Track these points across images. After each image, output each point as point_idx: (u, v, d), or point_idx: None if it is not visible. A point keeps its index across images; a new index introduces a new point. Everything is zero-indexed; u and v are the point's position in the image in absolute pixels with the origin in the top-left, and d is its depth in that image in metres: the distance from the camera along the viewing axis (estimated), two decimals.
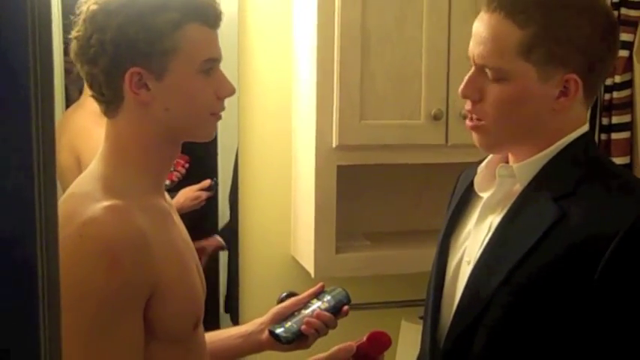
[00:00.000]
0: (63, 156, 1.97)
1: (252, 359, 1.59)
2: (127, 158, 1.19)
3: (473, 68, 1.20)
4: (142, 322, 1.12)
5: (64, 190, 1.18)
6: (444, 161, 2.02)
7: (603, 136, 2.20)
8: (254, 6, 2.11)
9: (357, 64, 1.89)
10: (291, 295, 1.57)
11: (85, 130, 1.98)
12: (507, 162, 1.25)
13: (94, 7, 1.14)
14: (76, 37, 1.16)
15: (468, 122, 1.23)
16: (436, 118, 1.93)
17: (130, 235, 1.09)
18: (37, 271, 0.53)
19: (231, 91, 1.23)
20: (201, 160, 2.10)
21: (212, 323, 1.93)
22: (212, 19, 1.19)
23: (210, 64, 1.19)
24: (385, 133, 1.93)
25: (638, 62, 2.15)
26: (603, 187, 1.14)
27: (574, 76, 1.14)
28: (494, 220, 1.20)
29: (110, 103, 1.18)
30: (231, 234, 2.18)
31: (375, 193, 2.24)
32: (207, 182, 2.15)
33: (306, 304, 1.50)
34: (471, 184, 1.30)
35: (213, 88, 1.20)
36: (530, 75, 1.14)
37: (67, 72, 1.99)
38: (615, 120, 2.18)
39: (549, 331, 1.10)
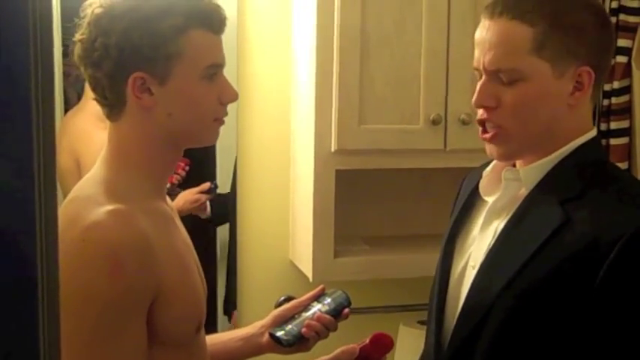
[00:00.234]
0: (63, 159, 1.97)
1: None
2: (129, 162, 1.19)
3: (484, 77, 1.19)
4: (145, 326, 1.12)
5: (64, 193, 1.18)
6: (442, 166, 2.02)
7: (602, 142, 2.21)
8: (253, 9, 2.12)
9: (356, 67, 1.89)
10: (289, 299, 1.57)
11: (85, 134, 1.99)
12: (513, 166, 1.25)
13: (98, 10, 1.14)
14: (80, 40, 1.16)
15: (483, 134, 1.21)
16: (435, 122, 1.93)
17: (133, 239, 1.09)
18: (36, 273, 0.53)
19: (234, 97, 1.23)
20: (200, 163, 2.11)
21: (210, 326, 1.93)
22: (216, 24, 1.19)
23: (214, 69, 1.19)
24: (384, 138, 1.93)
25: (637, 68, 2.15)
26: (609, 192, 1.14)
27: (587, 68, 1.15)
28: (500, 224, 1.21)
29: (113, 106, 1.18)
30: (230, 237, 2.18)
31: (373, 197, 2.24)
32: (206, 185, 2.16)
33: (306, 306, 1.50)
34: (476, 188, 1.29)
35: (216, 93, 1.20)
36: (545, 72, 1.15)
37: (66, 75, 1.99)
38: (614, 126, 2.18)
39: (552, 335, 1.10)
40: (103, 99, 1.19)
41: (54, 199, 0.55)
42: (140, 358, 1.12)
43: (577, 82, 1.16)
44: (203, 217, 2.18)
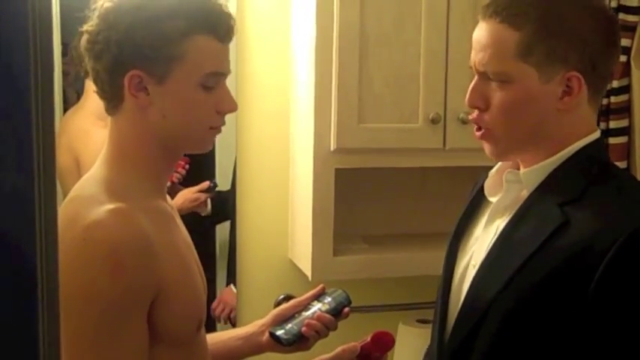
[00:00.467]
0: (62, 158, 1.97)
1: None
2: (128, 161, 1.19)
3: (476, 77, 1.20)
4: (147, 324, 1.12)
5: (63, 192, 1.19)
6: (441, 165, 2.03)
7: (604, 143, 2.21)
8: (252, 8, 2.12)
9: (355, 66, 1.89)
10: (288, 297, 1.57)
11: (84, 132, 1.99)
12: (518, 168, 1.25)
13: (108, 4, 1.15)
14: (87, 31, 1.17)
15: (476, 132, 1.23)
16: (434, 121, 1.93)
17: (134, 238, 1.09)
18: (36, 273, 0.53)
19: (232, 108, 1.22)
20: (199, 161, 2.11)
21: (209, 325, 1.93)
22: (222, 32, 1.18)
23: (214, 77, 1.18)
24: (383, 137, 1.93)
25: (636, 67, 2.15)
26: (609, 194, 1.14)
27: (575, 73, 1.14)
28: (501, 224, 1.21)
29: (110, 100, 1.19)
30: (229, 236, 2.18)
31: (372, 196, 2.24)
32: (205, 184, 2.16)
33: (306, 305, 1.50)
34: (482, 188, 1.30)
35: (214, 101, 1.19)
36: (531, 76, 1.14)
37: (65, 74, 1.99)
38: (613, 125, 2.18)
39: (550, 336, 1.10)
40: (102, 92, 1.20)
41: (54, 199, 0.55)
42: (141, 356, 1.12)
43: (567, 86, 1.15)
44: (203, 214, 2.18)
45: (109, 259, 1.07)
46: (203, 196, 2.16)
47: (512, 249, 1.16)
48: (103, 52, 1.15)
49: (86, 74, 1.22)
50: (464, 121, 1.93)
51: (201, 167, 2.14)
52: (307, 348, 1.47)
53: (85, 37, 1.18)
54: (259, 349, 1.47)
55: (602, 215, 1.10)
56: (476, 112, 1.21)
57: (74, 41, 1.78)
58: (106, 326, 1.08)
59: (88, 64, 1.19)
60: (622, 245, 1.04)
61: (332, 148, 1.92)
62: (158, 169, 1.23)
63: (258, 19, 2.13)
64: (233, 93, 1.27)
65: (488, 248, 1.20)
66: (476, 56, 1.19)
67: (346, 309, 1.50)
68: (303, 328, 1.44)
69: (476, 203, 1.33)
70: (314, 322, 1.44)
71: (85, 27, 1.18)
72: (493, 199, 1.26)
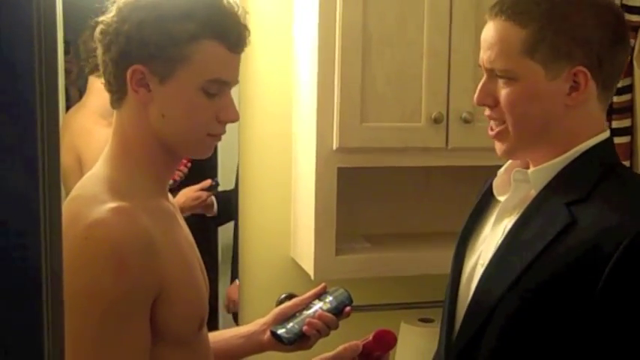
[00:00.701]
0: (64, 156, 1.97)
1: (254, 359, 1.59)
2: (131, 159, 1.19)
3: (485, 75, 1.22)
4: (149, 323, 1.12)
5: (66, 191, 1.19)
6: (443, 164, 2.02)
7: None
8: (255, 8, 2.11)
9: (357, 66, 1.89)
10: (290, 296, 1.57)
11: (86, 131, 1.99)
12: (527, 167, 1.25)
13: None
14: (102, 21, 1.19)
15: (490, 132, 1.24)
16: (436, 121, 1.93)
17: (136, 236, 1.09)
18: (40, 273, 0.53)
19: (233, 118, 1.22)
20: (201, 160, 2.10)
21: (211, 324, 1.93)
22: (232, 41, 1.18)
23: (218, 84, 1.18)
24: (385, 136, 1.93)
25: (639, 67, 2.15)
26: (616, 195, 1.14)
27: (581, 68, 1.15)
28: (509, 224, 1.21)
29: (115, 93, 1.20)
30: (232, 235, 2.18)
31: (375, 195, 2.24)
32: (207, 182, 2.15)
33: (308, 304, 1.50)
34: (491, 187, 1.30)
35: (215, 109, 1.19)
36: (538, 73, 1.15)
37: (67, 72, 1.99)
38: (615, 124, 2.18)
39: (556, 336, 1.10)
40: (108, 84, 1.21)
41: (58, 198, 0.55)
42: (144, 355, 1.12)
43: (574, 81, 1.16)
44: (209, 215, 2.17)
45: (111, 257, 1.07)
46: (205, 194, 2.15)
47: (519, 248, 1.16)
48: (111, 43, 1.17)
49: (90, 71, 1.23)
50: (466, 121, 1.93)
51: (203, 166, 2.13)
52: (308, 347, 1.47)
53: (99, 28, 1.19)
54: (260, 347, 1.48)
55: (609, 216, 1.10)
56: (488, 110, 1.22)
57: (83, 35, 1.79)
58: (108, 324, 1.08)
59: (99, 53, 1.21)
60: (629, 246, 1.05)
61: (334, 148, 1.92)
62: (160, 168, 1.23)
63: (261, 19, 2.13)
64: (236, 92, 1.26)
65: (496, 247, 1.20)
66: (484, 54, 1.20)
67: (348, 308, 1.50)
68: (305, 327, 1.44)
69: (484, 202, 1.34)
70: (315, 321, 1.44)
71: (102, 18, 1.19)
72: (501, 198, 1.26)
